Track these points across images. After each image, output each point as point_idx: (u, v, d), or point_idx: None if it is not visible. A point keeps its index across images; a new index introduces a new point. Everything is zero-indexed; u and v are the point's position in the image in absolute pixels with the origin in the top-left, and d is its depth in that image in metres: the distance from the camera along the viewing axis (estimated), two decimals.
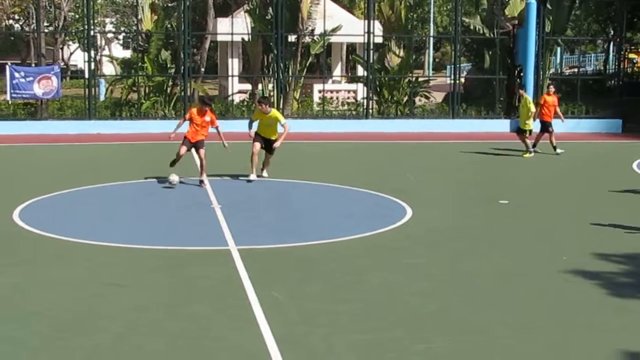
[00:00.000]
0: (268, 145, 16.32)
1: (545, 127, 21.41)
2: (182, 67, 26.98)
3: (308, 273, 10.01)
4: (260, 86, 29.08)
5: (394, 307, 8.73)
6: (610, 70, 39.95)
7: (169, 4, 35.45)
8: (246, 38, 29.22)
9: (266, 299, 8.78)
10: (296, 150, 21.66)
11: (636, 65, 42.09)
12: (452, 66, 30.12)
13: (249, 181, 16.01)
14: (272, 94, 27.89)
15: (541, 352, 7.58)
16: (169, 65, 28.72)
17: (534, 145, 21.12)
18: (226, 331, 7.91)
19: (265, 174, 16.51)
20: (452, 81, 28.73)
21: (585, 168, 19.36)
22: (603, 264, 10.55)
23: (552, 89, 22.01)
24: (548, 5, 28.58)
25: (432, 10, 51.86)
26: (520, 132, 21.34)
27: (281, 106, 26.69)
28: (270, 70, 28.63)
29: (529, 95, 22.84)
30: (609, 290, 9.41)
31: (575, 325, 8.27)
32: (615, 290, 9.43)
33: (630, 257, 10.90)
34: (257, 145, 16.10)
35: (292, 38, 28.38)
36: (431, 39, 52.25)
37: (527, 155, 20.77)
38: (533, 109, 21.08)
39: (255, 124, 16.32)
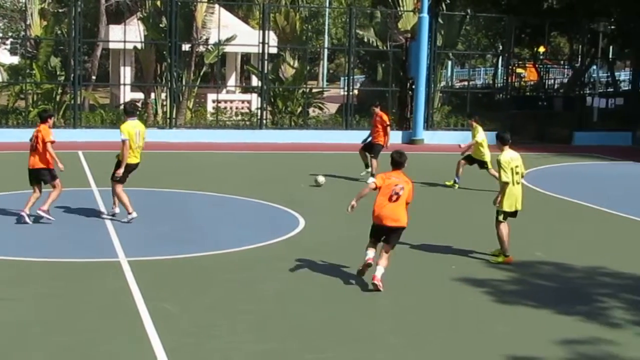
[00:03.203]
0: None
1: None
2: (73, 75, 26.33)
3: (201, 284, 9.88)
4: (152, 95, 28.65)
5: (288, 317, 8.71)
6: (499, 84, 41.11)
7: (60, 10, 34.63)
8: (139, 46, 28.76)
9: (157, 311, 8.62)
10: (189, 160, 21.48)
11: (523, 79, 43.41)
12: (346, 78, 30.43)
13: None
14: (165, 103, 27.53)
15: (432, 358, 7.70)
16: (58, 73, 27.96)
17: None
18: (115, 345, 7.71)
19: (117, 210, 13.48)
20: (346, 92, 29.02)
21: (474, 179, 19.79)
22: (491, 271, 10.83)
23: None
24: (440, 20, 29.25)
25: (327, 22, 52.22)
26: None
27: (174, 115, 26.41)
28: (164, 79, 28.27)
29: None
30: (496, 298, 9.67)
31: (464, 331, 8.44)
32: (502, 298, 9.70)
33: (516, 265, 11.22)
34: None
35: (186, 47, 28.11)
36: (325, 50, 52.58)
37: None
38: None
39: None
